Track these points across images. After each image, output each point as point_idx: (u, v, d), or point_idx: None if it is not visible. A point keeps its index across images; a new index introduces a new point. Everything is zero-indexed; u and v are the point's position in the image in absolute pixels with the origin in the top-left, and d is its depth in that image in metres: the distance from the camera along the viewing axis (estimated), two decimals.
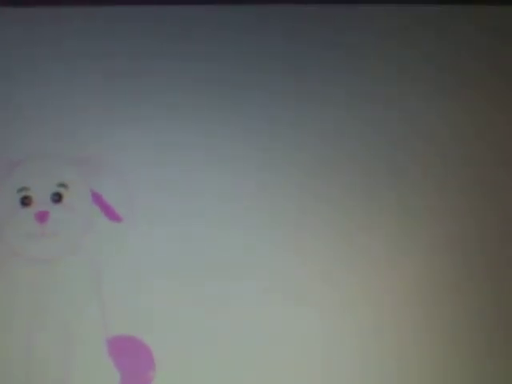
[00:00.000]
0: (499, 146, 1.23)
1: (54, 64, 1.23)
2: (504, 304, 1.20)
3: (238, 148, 1.22)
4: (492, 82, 1.24)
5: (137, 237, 1.20)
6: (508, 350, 1.19)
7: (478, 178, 1.22)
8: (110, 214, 1.20)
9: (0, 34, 1.24)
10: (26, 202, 1.19)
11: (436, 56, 1.25)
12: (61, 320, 1.17)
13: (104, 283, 1.19)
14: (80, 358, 1.17)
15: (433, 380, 1.18)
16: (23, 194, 1.19)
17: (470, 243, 1.21)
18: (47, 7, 1.24)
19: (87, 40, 1.23)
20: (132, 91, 1.23)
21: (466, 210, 1.22)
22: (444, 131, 1.23)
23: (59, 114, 1.22)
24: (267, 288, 1.19)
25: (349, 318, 1.19)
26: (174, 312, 1.18)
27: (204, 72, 1.23)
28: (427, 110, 1.24)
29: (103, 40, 1.24)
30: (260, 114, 1.23)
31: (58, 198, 1.20)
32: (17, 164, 1.21)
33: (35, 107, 1.22)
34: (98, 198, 1.20)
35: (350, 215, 1.21)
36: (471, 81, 1.24)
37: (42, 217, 1.18)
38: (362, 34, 1.24)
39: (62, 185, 1.20)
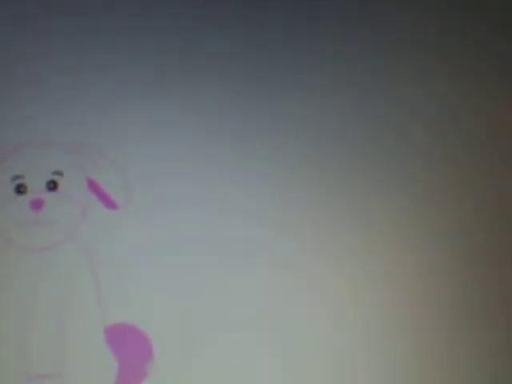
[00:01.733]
0: (501, 139, 1.25)
1: (50, 52, 1.22)
2: (506, 298, 1.21)
3: (237, 137, 1.22)
4: (493, 77, 1.27)
5: (134, 224, 1.19)
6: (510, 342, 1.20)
7: (479, 170, 1.24)
8: (107, 201, 1.19)
9: None
10: (20, 189, 1.17)
11: (436, 50, 1.27)
12: (57, 308, 1.15)
13: (101, 271, 1.17)
14: (77, 346, 1.15)
15: (436, 366, 1.19)
16: (18, 181, 1.18)
17: (472, 236, 1.23)
18: None
19: (85, 29, 1.23)
20: (130, 81, 1.22)
21: (468, 202, 1.23)
22: (445, 124, 1.25)
23: (54, 101, 1.21)
24: (270, 276, 1.19)
25: (352, 304, 1.19)
26: (173, 300, 1.17)
27: (204, 65, 1.24)
28: (429, 103, 1.25)
29: (103, 30, 1.23)
30: (262, 107, 1.23)
31: (53, 185, 1.18)
32: (11, 152, 1.19)
33: (30, 94, 1.21)
34: (94, 186, 1.19)
35: (352, 206, 1.22)
36: (472, 75, 1.27)
37: (37, 205, 1.17)
38: (361, 30, 1.26)
39: (58, 172, 1.19)
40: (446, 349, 1.19)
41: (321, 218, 1.21)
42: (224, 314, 1.17)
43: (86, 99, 1.21)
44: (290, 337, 1.18)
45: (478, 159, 1.24)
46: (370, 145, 1.24)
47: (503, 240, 1.22)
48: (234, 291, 1.18)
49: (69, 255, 1.17)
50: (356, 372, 1.18)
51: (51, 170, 1.19)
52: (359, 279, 1.20)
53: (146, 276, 1.18)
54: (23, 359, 1.13)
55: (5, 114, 1.20)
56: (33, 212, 1.17)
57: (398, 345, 1.19)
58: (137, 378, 1.15)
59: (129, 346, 1.16)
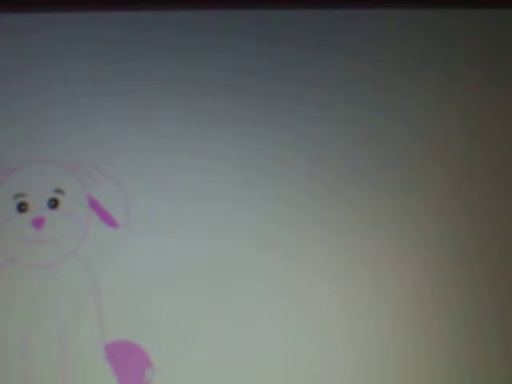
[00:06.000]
0: (496, 148, 1.25)
1: (47, 69, 1.23)
2: (502, 304, 1.21)
3: (237, 152, 1.23)
4: (491, 86, 1.26)
5: (134, 242, 1.20)
6: (506, 350, 1.20)
7: (474, 178, 1.24)
8: (107, 219, 1.20)
9: None
10: (22, 208, 1.19)
11: (434, 59, 1.26)
12: (58, 326, 1.17)
13: (101, 289, 1.18)
14: (77, 364, 1.16)
15: (430, 379, 1.19)
16: (19, 200, 1.19)
17: (468, 243, 1.22)
18: (38, 13, 1.24)
19: (81, 43, 1.23)
20: (129, 95, 1.23)
21: (463, 210, 1.23)
22: (442, 133, 1.25)
23: (55, 119, 1.22)
24: (267, 292, 1.19)
25: (347, 319, 1.19)
26: (173, 318, 1.18)
27: (202, 76, 1.24)
28: (425, 112, 1.25)
29: (99, 43, 1.23)
30: (259, 117, 1.23)
31: (54, 203, 1.19)
32: (13, 170, 1.20)
33: (30, 113, 1.22)
34: (94, 204, 1.20)
35: (348, 216, 1.22)
36: (470, 84, 1.26)
37: (39, 223, 1.18)
38: (361, 38, 1.25)
39: (59, 191, 1.20)
40: (443, 360, 1.19)
41: (317, 231, 1.21)
42: (223, 330, 1.18)
43: (87, 118, 1.22)
44: (286, 348, 1.19)
45: (474, 171, 1.24)
46: (367, 158, 1.24)
47: (498, 251, 1.22)
48: (233, 307, 1.19)
49: (69, 273, 1.18)
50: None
51: (52, 188, 1.20)
52: (356, 295, 1.20)
53: (146, 293, 1.19)
54: (25, 375, 1.15)
55: (5, 134, 1.21)
56: (34, 230, 1.18)
57: (392, 358, 1.19)
58: None
59: (129, 362, 1.17)
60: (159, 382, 1.17)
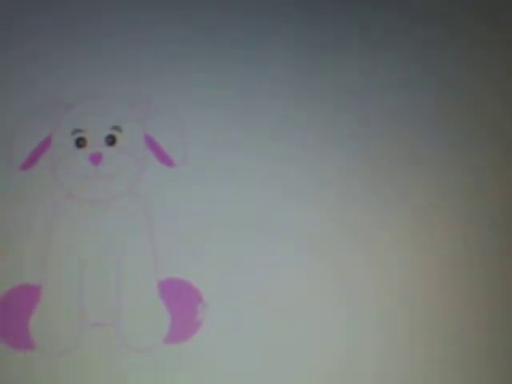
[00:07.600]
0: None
1: (103, 4, 1.24)
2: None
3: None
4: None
5: (190, 181, 1.21)
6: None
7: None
8: (164, 158, 1.21)
9: None
10: (80, 143, 1.20)
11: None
12: (112, 261, 1.18)
13: (155, 226, 1.19)
14: (131, 298, 1.17)
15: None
16: (78, 135, 1.20)
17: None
18: None
19: None
20: (187, 31, 1.24)
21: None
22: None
23: (112, 55, 1.23)
24: (316, 242, 1.20)
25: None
26: (224, 255, 1.19)
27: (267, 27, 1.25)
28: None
29: None
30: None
31: (111, 140, 1.21)
32: (71, 106, 1.22)
33: (88, 49, 1.23)
34: (151, 142, 1.21)
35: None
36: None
37: (96, 158, 1.19)
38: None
39: (116, 127, 1.21)
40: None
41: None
42: (275, 271, 1.19)
43: (149, 56, 1.23)
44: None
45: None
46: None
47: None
48: (285, 251, 1.20)
49: (125, 209, 1.20)
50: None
51: (110, 125, 1.21)
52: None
53: (198, 232, 1.20)
54: (80, 307, 1.17)
55: (64, 69, 1.23)
56: (92, 165, 1.20)
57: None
58: (189, 330, 1.18)
59: (181, 299, 1.18)
60: (211, 318, 1.18)
